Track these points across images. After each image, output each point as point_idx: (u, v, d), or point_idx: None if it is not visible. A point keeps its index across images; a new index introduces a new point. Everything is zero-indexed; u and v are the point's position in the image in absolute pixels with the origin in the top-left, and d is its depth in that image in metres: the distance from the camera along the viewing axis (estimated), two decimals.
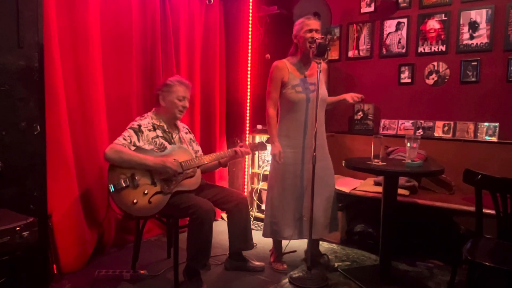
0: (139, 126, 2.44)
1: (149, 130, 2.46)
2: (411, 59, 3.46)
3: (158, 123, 2.52)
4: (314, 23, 2.56)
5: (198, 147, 2.74)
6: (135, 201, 2.27)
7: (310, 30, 2.53)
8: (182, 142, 2.61)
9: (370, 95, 3.62)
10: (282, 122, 2.67)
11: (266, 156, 3.79)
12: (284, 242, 2.81)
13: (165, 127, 2.55)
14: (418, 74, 3.43)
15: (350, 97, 2.64)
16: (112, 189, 2.25)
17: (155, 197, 2.33)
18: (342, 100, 2.70)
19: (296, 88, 2.58)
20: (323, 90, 2.62)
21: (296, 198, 2.62)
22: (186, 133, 2.72)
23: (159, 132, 2.50)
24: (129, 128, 2.42)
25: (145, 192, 2.31)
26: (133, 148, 2.34)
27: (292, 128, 2.63)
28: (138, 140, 2.39)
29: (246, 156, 3.75)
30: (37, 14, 2.07)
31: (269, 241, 3.18)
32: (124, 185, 2.26)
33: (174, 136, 2.58)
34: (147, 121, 2.50)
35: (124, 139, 2.35)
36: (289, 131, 2.63)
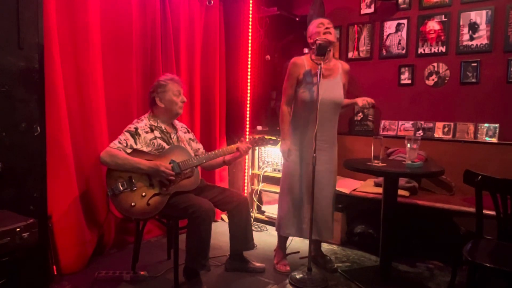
0: (136, 129, 2.44)
1: (146, 132, 2.46)
2: (411, 60, 3.46)
3: (155, 124, 2.52)
4: (325, 20, 2.59)
5: (198, 145, 2.74)
6: (133, 204, 2.28)
7: (322, 24, 2.54)
8: (180, 142, 2.61)
9: (370, 96, 3.56)
10: (293, 120, 2.66)
11: (266, 157, 3.79)
12: (287, 243, 2.83)
13: (163, 127, 2.55)
14: (418, 75, 3.44)
15: (360, 100, 2.59)
16: (110, 193, 2.26)
17: (154, 199, 2.33)
18: (353, 104, 2.66)
19: (308, 88, 2.55)
20: (338, 93, 2.60)
21: (298, 197, 2.63)
22: (185, 132, 2.72)
23: (157, 133, 2.50)
24: (125, 131, 2.43)
25: (143, 194, 2.32)
26: (129, 151, 2.35)
27: (300, 126, 2.62)
28: (135, 143, 2.39)
29: (246, 156, 3.75)
30: (37, 15, 2.07)
31: (269, 242, 3.18)
32: (121, 188, 2.27)
33: (172, 136, 2.58)
34: (144, 123, 2.50)
35: (120, 142, 2.36)
36: (297, 129, 2.63)
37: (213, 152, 2.59)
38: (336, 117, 2.65)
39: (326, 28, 2.52)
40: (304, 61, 2.60)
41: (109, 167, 2.31)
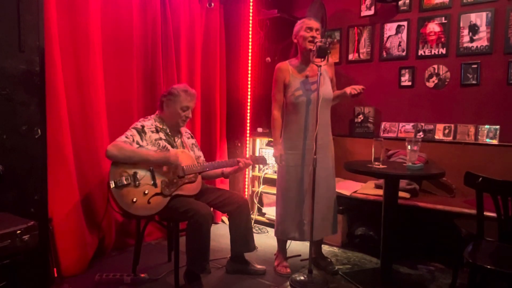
0: (143, 126, 2.45)
1: (152, 132, 2.47)
2: (411, 62, 3.46)
3: (161, 126, 2.53)
4: (314, 23, 2.59)
5: (200, 153, 2.75)
6: (134, 199, 2.28)
7: (310, 29, 2.56)
8: (184, 147, 2.61)
9: (371, 98, 3.63)
10: (285, 124, 2.68)
11: (267, 159, 3.79)
12: (287, 246, 2.83)
13: (168, 130, 2.56)
14: (419, 77, 3.44)
15: (349, 89, 2.58)
16: (113, 185, 2.25)
17: (155, 198, 2.34)
18: (343, 94, 2.63)
19: (297, 91, 2.58)
20: (327, 89, 2.62)
21: (297, 200, 2.63)
22: (188, 138, 2.73)
23: (162, 135, 2.51)
24: (132, 128, 2.44)
25: (146, 192, 2.32)
26: (135, 146, 2.35)
27: (293, 130, 2.63)
28: (141, 140, 2.41)
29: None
30: (38, 18, 2.08)
31: (270, 244, 3.18)
32: (125, 182, 2.27)
33: (176, 140, 2.59)
34: (150, 122, 2.51)
35: (127, 137, 2.37)
36: (290, 133, 2.64)
37: (217, 161, 2.63)
38: (328, 112, 2.66)
39: (312, 36, 2.53)
40: (288, 66, 2.64)
41: (116, 160, 2.29)
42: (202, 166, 2.51)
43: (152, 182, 2.35)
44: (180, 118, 2.53)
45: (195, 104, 2.67)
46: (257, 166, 3.86)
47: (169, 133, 2.56)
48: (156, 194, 2.34)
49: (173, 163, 2.35)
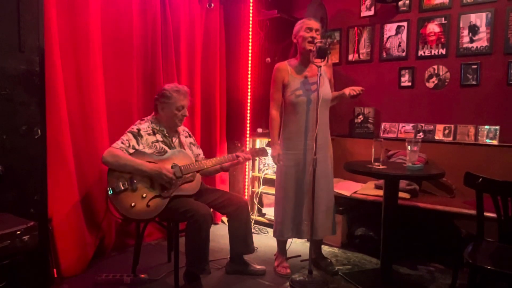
0: (139, 130, 2.45)
1: (149, 134, 2.47)
2: (411, 63, 3.46)
3: (158, 128, 2.53)
4: (314, 24, 2.59)
5: (199, 151, 2.75)
6: (133, 204, 2.28)
7: (310, 29, 2.56)
8: (182, 146, 2.61)
9: (371, 98, 3.63)
10: (284, 124, 2.68)
11: (266, 160, 3.79)
12: (287, 246, 2.82)
13: (165, 131, 2.55)
14: (418, 78, 3.44)
15: (348, 90, 2.59)
16: (110, 192, 2.26)
17: (154, 200, 2.33)
18: (342, 95, 2.64)
19: (296, 91, 2.59)
20: (326, 89, 2.62)
21: (297, 200, 2.63)
22: (186, 136, 2.72)
23: (159, 137, 2.50)
24: (128, 132, 2.43)
25: (144, 195, 2.32)
26: (131, 151, 2.35)
27: (293, 130, 2.63)
28: (138, 144, 2.40)
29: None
30: (38, 18, 2.07)
31: (270, 245, 3.18)
32: (122, 188, 2.27)
33: (174, 140, 2.58)
34: (146, 125, 2.50)
35: (123, 142, 2.36)
36: (290, 133, 2.64)
37: (214, 158, 2.60)
38: (327, 113, 2.67)
39: (312, 37, 2.54)
40: (286, 66, 2.65)
41: (110, 167, 2.31)
42: (199, 165, 2.50)
43: (150, 184, 2.35)
44: (177, 118, 2.53)
45: (193, 102, 2.66)
46: (257, 167, 3.86)
47: (167, 134, 2.55)
48: (155, 196, 2.34)
49: (164, 178, 2.32)
